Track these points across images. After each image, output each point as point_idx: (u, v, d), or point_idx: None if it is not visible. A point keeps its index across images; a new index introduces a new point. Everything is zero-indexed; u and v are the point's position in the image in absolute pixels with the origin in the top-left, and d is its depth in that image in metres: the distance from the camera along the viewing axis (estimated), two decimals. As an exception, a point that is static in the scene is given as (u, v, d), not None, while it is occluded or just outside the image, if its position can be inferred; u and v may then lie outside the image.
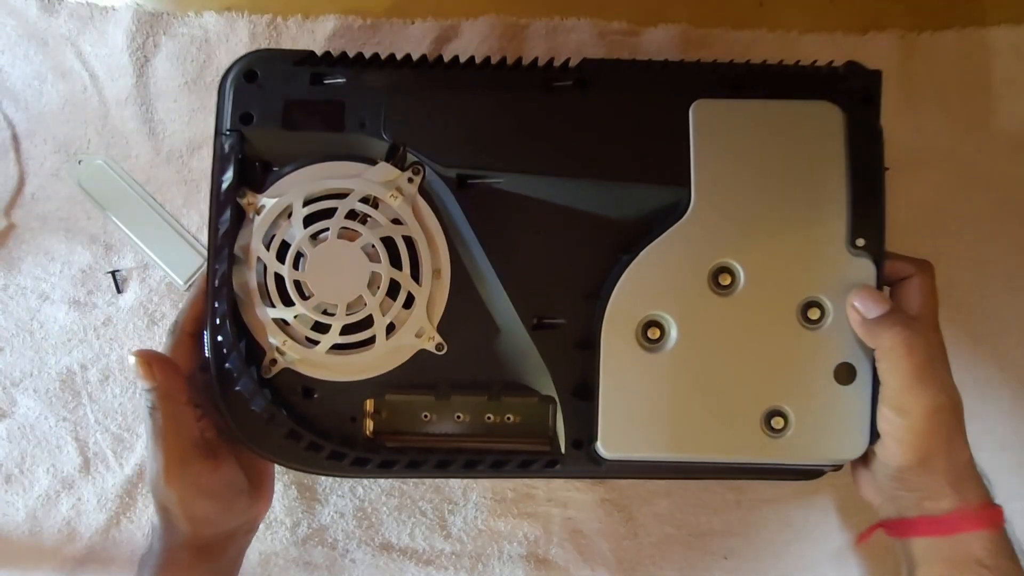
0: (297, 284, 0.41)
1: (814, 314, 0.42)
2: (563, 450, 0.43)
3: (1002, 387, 0.54)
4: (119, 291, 0.54)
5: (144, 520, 0.53)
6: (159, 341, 0.53)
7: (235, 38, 0.54)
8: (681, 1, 0.56)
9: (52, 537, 0.53)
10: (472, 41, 0.54)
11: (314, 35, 0.54)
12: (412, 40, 0.55)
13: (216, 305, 0.41)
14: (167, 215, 0.53)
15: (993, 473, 0.53)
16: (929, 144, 0.55)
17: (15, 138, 0.54)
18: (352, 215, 0.41)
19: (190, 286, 0.53)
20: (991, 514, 0.41)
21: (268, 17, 0.54)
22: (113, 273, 0.53)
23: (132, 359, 0.40)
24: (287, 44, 0.54)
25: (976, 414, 0.53)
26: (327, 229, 0.41)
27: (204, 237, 0.52)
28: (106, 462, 0.53)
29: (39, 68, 0.54)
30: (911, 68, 0.55)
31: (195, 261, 0.53)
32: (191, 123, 0.54)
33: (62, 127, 0.54)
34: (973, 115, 0.56)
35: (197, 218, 0.54)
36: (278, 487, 0.53)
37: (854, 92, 0.43)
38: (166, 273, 0.53)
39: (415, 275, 0.41)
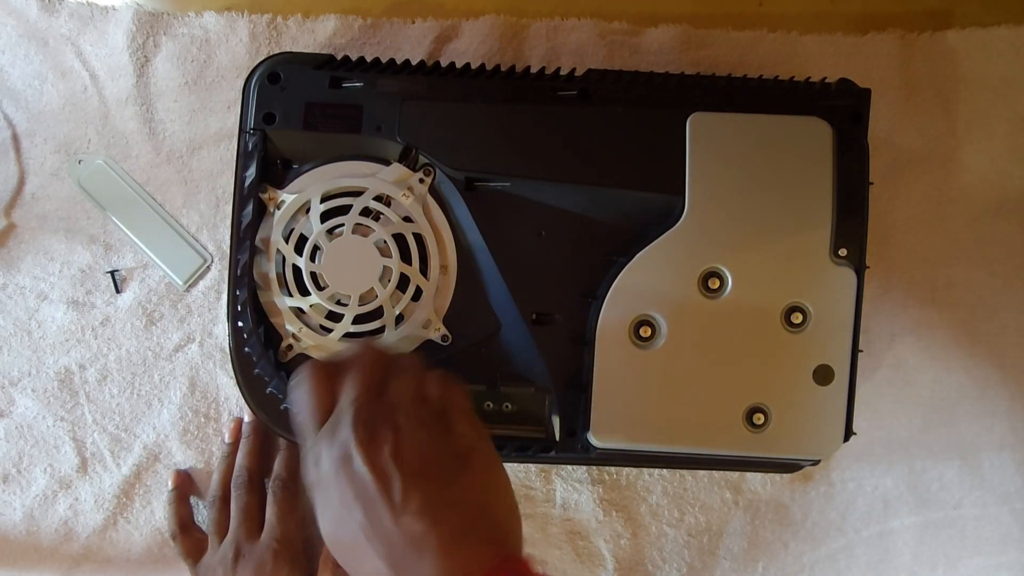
0: (313, 275, 0.56)
1: (797, 318, 0.55)
2: (557, 438, 0.57)
3: (1001, 387, 0.68)
4: (118, 291, 0.67)
5: (142, 521, 0.67)
6: (157, 341, 0.67)
7: (235, 38, 0.66)
8: (681, 1, 0.68)
9: (49, 537, 0.67)
10: (472, 41, 0.67)
11: (314, 35, 0.66)
12: (412, 40, 0.67)
13: (237, 293, 0.55)
14: (167, 215, 0.67)
15: (993, 473, 0.67)
16: (929, 144, 0.68)
17: (15, 138, 0.67)
18: (366, 212, 0.56)
19: (189, 287, 0.67)
20: None
21: (268, 17, 0.66)
22: (112, 273, 0.67)
23: None
24: (287, 44, 0.66)
25: (976, 414, 0.68)
26: (343, 224, 0.55)
27: (204, 237, 0.67)
28: (103, 462, 0.67)
29: (39, 68, 0.67)
30: (911, 68, 0.68)
31: (195, 261, 0.67)
32: (191, 123, 0.67)
33: (62, 127, 0.67)
34: (973, 115, 0.68)
35: (197, 218, 0.67)
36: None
37: (844, 109, 0.57)
38: (165, 273, 0.67)
39: (424, 270, 0.56)
